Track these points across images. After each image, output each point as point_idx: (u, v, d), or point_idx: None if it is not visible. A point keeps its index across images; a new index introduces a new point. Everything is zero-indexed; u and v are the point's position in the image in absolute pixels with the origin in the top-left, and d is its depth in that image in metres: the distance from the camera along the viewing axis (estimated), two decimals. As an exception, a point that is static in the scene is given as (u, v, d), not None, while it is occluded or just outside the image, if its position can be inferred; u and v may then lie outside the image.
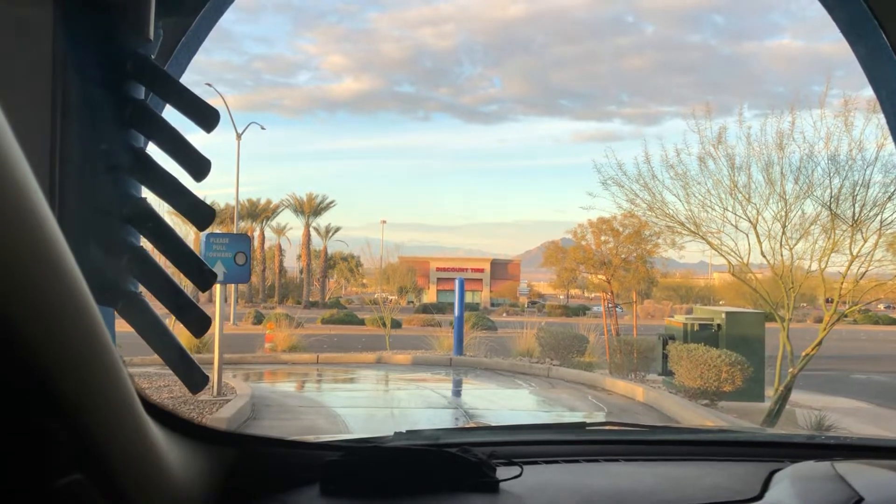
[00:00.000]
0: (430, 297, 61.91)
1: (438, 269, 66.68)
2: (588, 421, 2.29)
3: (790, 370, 9.99)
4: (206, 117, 1.00)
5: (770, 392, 11.42)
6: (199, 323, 0.97)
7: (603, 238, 17.59)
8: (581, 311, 50.89)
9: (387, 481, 1.24)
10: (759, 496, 1.32)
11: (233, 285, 40.22)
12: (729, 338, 11.97)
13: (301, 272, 57.33)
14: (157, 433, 0.88)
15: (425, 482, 1.25)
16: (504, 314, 45.83)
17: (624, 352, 13.66)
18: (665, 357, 12.28)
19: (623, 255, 17.70)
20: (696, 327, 12.40)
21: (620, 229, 17.44)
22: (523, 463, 1.39)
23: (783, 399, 10.06)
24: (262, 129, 41.75)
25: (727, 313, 12.39)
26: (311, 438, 1.48)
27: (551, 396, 11.17)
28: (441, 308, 43.28)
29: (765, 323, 12.35)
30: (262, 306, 45.23)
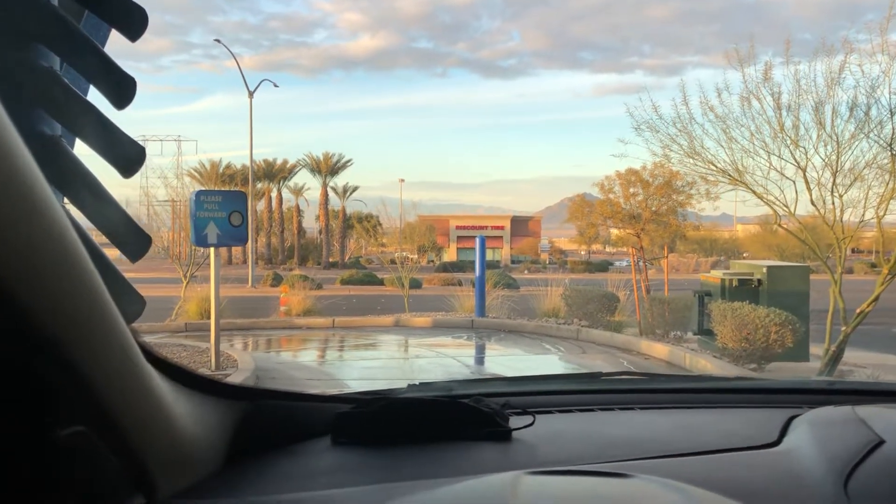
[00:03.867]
0: (450, 255, 61.51)
1: (458, 228, 66.09)
2: (604, 371, 1.96)
3: (843, 328, 9.17)
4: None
5: (814, 349, 10.63)
6: (130, 151, 0.84)
7: (632, 190, 16.58)
8: (605, 266, 49.97)
9: (397, 431, 1.24)
10: (777, 441, 1.29)
11: (250, 245, 39.82)
12: (771, 293, 11.08)
13: (320, 233, 57.00)
14: (162, 386, 0.87)
15: (436, 431, 1.24)
16: (525, 271, 45.01)
17: (657, 310, 12.83)
18: (702, 315, 11.46)
19: (653, 208, 16.72)
20: (734, 283, 11.50)
21: (650, 180, 16.43)
22: (537, 412, 1.39)
23: (835, 359, 9.27)
24: (275, 86, 41.01)
25: (769, 267, 11.47)
26: (322, 391, 1.47)
27: (583, 363, 10.35)
28: (461, 266, 42.75)
29: (809, 277, 11.47)
30: (281, 268, 44.91)
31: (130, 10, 0.84)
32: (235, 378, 7.45)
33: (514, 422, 1.31)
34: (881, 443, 1.14)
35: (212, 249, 7.80)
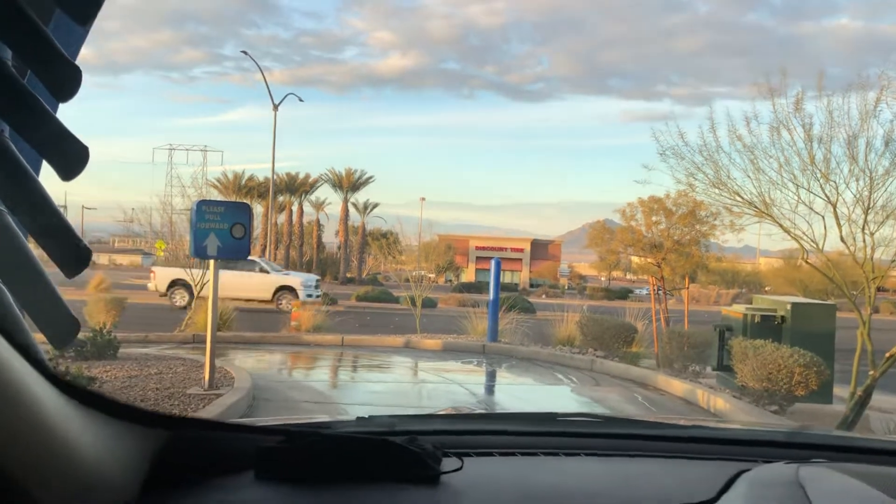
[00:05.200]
0: (468, 275, 61.27)
1: (478, 248, 65.89)
2: (559, 412, 1.73)
3: (871, 372, 8.73)
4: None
5: (838, 391, 10.17)
6: (76, 257, 0.85)
7: (654, 218, 16.20)
8: (624, 293, 49.37)
9: (323, 470, 1.19)
10: (714, 500, 1.23)
11: (268, 258, 39.84)
12: (794, 331, 10.64)
13: (339, 248, 57.03)
14: (62, 411, 0.83)
15: (364, 472, 1.20)
16: (543, 296, 44.56)
17: (675, 343, 12.41)
18: (722, 351, 11.04)
19: (676, 237, 16.32)
20: (757, 319, 11.07)
21: (674, 209, 16.05)
22: (476, 454, 1.38)
23: (861, 403, 8.81)
24: (300, 100, 41.16)
25: (793, 304, 11.04)
26: (255, 422, 1.42)
27: (595, 396, 9.93)
28: (479, 287, 42.46)
29: (835, 316, 11.02)
30: (298, 281, 44.72)
31: (65, 68, 0.77)
32: (229, 398, 7.13)
33: (447, 464, 1.26)
34: None
35: (212, 262, 7.52)
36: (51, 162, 0.86)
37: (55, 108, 0.86)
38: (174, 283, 22.45)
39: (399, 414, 1.75)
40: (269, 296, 24.18)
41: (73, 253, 0.87)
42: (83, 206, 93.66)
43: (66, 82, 0.80)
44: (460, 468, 1.27)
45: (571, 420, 1.96)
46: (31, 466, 0.76)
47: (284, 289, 24.33)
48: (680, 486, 1.33)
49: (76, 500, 0.86)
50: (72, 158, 0.84)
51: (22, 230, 0.88)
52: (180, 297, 22.76)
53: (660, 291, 16.87)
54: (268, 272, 24.67)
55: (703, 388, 10.05)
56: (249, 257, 11.74)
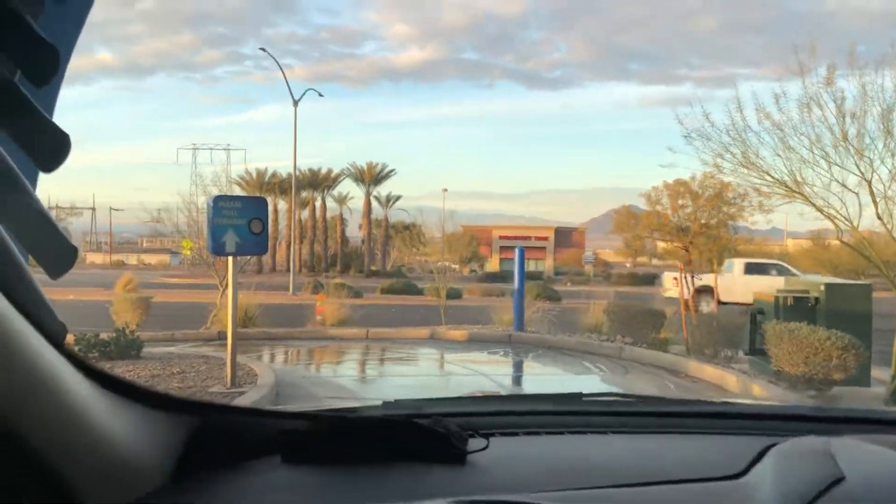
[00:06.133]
0: (493, 265, 61.03)
1: (501, 238, 65.57)
2: (586, 392, 1.86)
3: (911, 353, 8.45)
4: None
5: (876, 373, 9.87)
6: (53, 140, 0.77)
7: (680, 202, 15.90)
8: (650, 279, 48.89)
9: (349, 451, 1.20)
10: (744, 472, 1.23)
11: (292, 253, 39.91)
12: (829, 313, 10.31)
13: (362, 241, 57.14)
14: (94, 400, 0.85)
15: (390, 453, 1.21)
16: (568, 283, 44.18)
17: (705, 328, 12.14)
18: (754, 335, 10.76)
19: (703, 220, 16.01)
20: (789, 301, 10.76)
21: (700, 192, 15.74)
22: (501, 434, 1.38)
23: (902, 387, 8.54)
24: (320, 95, 41.15)
25: (827, 285, 10.71)
26: (282, 407, 1.55)
27: (626, 384, 9.74)
28: (504, 277, 42.24)
29: (871, 296, 10.68)
30: (323, 276, 44.95)
31: (41, 50, 0.73)
32: (252, 395, 7.04)
33: (473, 444, 1.27)
34: (841, 479, 1.09)
35: (230, 259, 7.42)
36: (30, 153, 0.80)
37: (34, 95, 0.79)
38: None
39: (425, 398, 1.69)
40: None
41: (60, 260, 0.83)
42: (111, 208, 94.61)
43: (45, 64, 0.75)
44: (486, 447, 1.27)
45: (597, 399, 1.94)
46: (66, 452, 0.78)
47: None
48: (709, 461, 1.33)
49: (110, 483, 0.89)
50: (53, 148, 0.80)
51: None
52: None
53: (688, 276, 16.59)
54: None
55: (737, 374, 9.80)
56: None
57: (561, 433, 1.51)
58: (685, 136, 11.13)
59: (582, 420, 1.60)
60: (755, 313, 11.08)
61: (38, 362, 0.73)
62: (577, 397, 1.84)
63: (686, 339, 13.28)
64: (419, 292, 31.52)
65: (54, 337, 0.78)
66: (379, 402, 1.57)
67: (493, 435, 1.35)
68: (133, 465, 0.94)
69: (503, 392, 9.09)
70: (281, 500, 1.07)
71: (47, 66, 0.76)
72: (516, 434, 1.45)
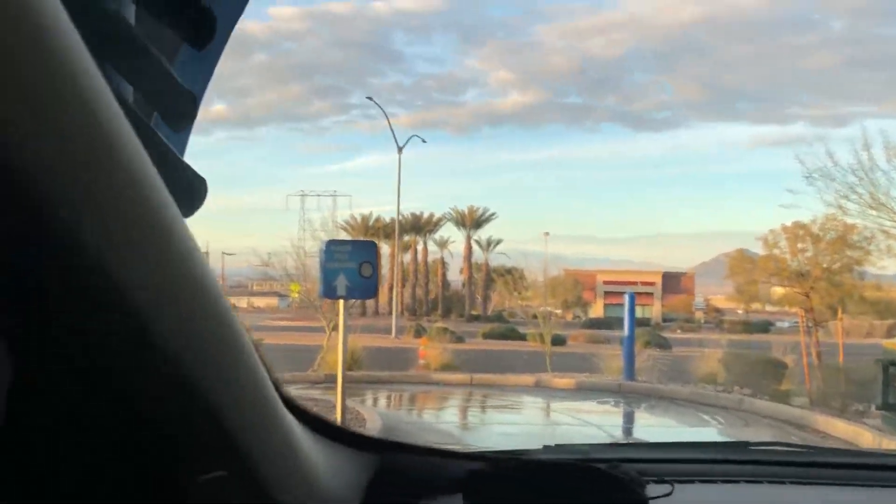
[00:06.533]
0: (596, 311, 59.88)
1: (605, 283, 64.34)
2: (751, 440, 1.79)
3: None
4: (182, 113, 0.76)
5: None
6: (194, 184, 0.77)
7: (800, 245, 15.15)
8: (765, 327, 46.71)
9: (529, 494, 1.21)
10: None
11: (395, 296, 40.44)
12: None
13: (463, 285, 57.38)
14: (301, 435, 0.89)
15: (571, 497, 1.21)
16: (678, 331, 42.74)
17: (831, 379, 11.39)
18: (887, 387, 9.99)
19: (824, 265, 15.19)
20: (927, 352, 9.96)
21: (821, 234, 14.97)
22: (676, 482, 1.33)
23: None
24: (423, 141, 42.02)
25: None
26: (455, 448, 1.44)
27: (751, 438, 9.18)
28: (608, 323, 41.25)
29: None
30: (424, 319, 45.30)
31: (180, 95, 0.74)
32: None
33: (652, 490, 1.24)
34: None
35: (340, 302, 7.49)
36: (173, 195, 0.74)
37: (169, 140, 0.78)
38: None
39: (589, 443, 1.70)
40: None
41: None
42: (223, 253, 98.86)
43: (193, 195, 0.77)
44: (670, 493, 1.25)
45: (766, 449, 1.88)
46: (283, 485, 0.81)
47: None
48: None
49: None
50: (190, 193, 0.79)
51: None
52: None
53: (810, 325, 15.69)
54: None
55: (871, 431, 9.06)
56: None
57: (736, 482, 1.48)
58: (806, 177, 10.68)
59: (751, 469, 1.55)
60: (888, 364, 10.31)
61: (272, 399, 0.78)
62: (742, 446, 1.82)
63: (809, 390, 12.51)
64: (521, 337, 31.18)
65: (272, 375, 0.81)
66: (539, 447, 1.56)
67: (667, 482, 1.33)
68: (325, 497, 0.96)
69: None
70: None
71: (185, 111, 0.77)
72: (692, 482, 1.42)
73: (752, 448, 1.81)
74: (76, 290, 0.48)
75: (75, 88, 0.41)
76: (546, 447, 1.56)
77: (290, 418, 0.85)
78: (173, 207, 0.53)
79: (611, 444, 1.65)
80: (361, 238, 50.01)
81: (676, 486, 1.32)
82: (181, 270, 0.55)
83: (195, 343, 0.59)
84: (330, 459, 1.01)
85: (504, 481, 1.22)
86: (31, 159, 0.39)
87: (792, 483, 1.48)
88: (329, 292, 7.28)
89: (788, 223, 15.25)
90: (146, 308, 0.51)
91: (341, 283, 7.05)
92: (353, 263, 7.09)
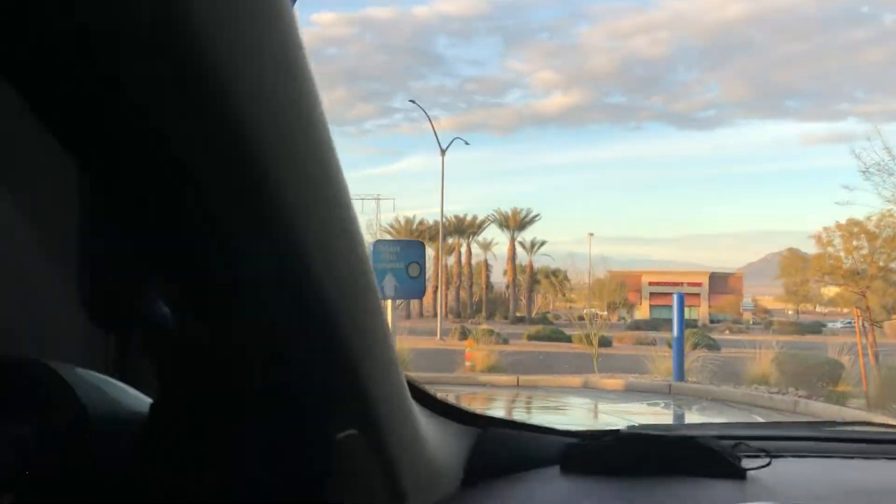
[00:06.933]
0: (642, 312, 59.23)
1: (651, 284, 63.63)
2: (836, 420, 2.26)
3: None
4: None
5: None
6: None
7: (855, 243, 14.76)
8: (816, 327, 45.66)
9: (626, 465, 1.23)
10: None
11: (439, 298, 40.48)
12: None
13: (507, 287, 57.25)
14: (416, 408, 0.94)
15: (665, 467, 1.23)
16: (727, 332, 41.96)
17: (888, 381, 11.07)
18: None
19: (881, 263, 14.77)
20: None
21: (877, 231, 14.56)
22: (770, 456, 1.32)
23: None
24: (466, 144, 42.19)
25: None
26: (555, 426, 1.48)
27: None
28: (654, 325, 40.67)
29: None
30: (469, 321, 45.29)
31: None
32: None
33: (748, 463, 1.26)
34: None
35: (388, 303, 7.51)
36: None
37: None
38: None
39: (666, 423, 1.75)
40: None
41: None
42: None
43: None
44: (768, 464, 1.26)
45: (855, 429, 1.90)
46: (401, 449, 0.87)
47: None
48: None
49: (423, 487, 0.97)
50: None
51: None
52: None
53: (864, 324, 15.27)
54: None
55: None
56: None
57: (830, 457, 1.49)
58: (863, 172, 10.37)
59: (842, 447, 1.56)
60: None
61: (397, 370, 0.83)
62: (831, 425, 1.86)
63: (866, 392, 12.16)
64: (567, 339, 30.97)
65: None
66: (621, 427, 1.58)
67: (767, 455, 1.34)
68: (437, 471, 1.03)
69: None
70: None
71: None
72: (784, 457, 1.42)
73: (840, 427, 1.84)
74: (290, 280, 0.59)
75: (325, 147, 0.60)
76: (630, 427, 1.55)
77: (408, 390, 0.89)
78: (353, 210, 0.65)
79: (696, 424, 1.76)
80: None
81: (774, 459, 1.32)
82: (358, 267, 0.65)
83: (358, 318, 0.67)
84: (437, 430, 1.05)
85: (599, 454, 1.25)
86: (286, 191, 0.54)
87: (885, 459, 1.49)
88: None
89: (843, 221, 14.89)
90: (334, 297, 0.61)
91: (389, 283, 7.08)
92: (400, 264, 7.11)
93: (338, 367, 0.68)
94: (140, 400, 0.77)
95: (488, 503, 1.10)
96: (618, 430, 1.47)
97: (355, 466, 0.80)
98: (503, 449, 1.26)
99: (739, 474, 1.23)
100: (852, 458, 1.49)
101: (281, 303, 0.60)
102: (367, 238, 22.09)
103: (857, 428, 1.90)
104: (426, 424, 0.99)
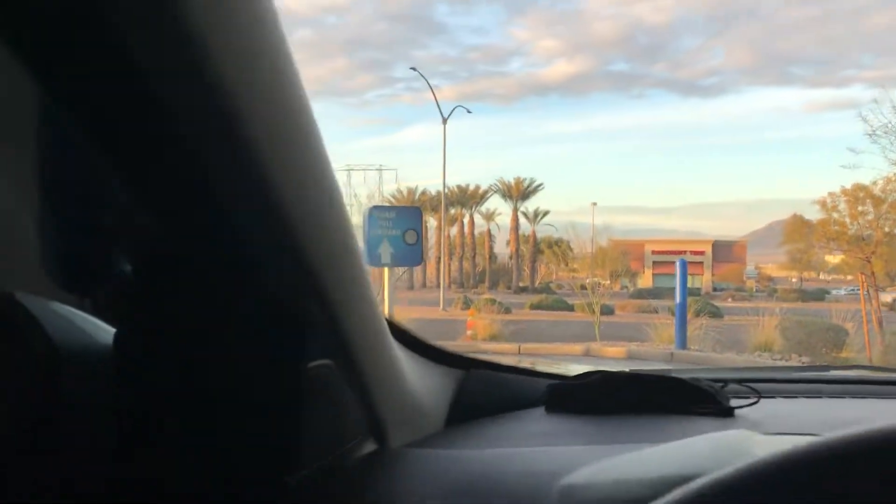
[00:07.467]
0: (644, 281, 59.20)
1: (654, 252, 63.53)
2: (831, 364, 1.64)
3: None
4: None
5: None
6: None
7: (860, 208, 14.57)
8: (820, 295, 45.53)
9: (612, 403, 1.23)
10: None
11: (442, 269, 40.40)
12: None
13: (510, 257, 57.18)
14: (395, 346, 0.97)
15: (652, 405, 1.23)
16: (729, 299, 41.84)
17: (892, 346, 11.00)
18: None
19: (886, 228, 14.60)
20: None
21: (883, 196, 14.38)
22: (760, 396, 1.29)
23: None
24: (468, 112, 41.76)
25: None
26: (536, 367, 1.49)
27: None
28: (657, 293, 40.57)
29: None
30: (472, 291, 45.33)
31: None
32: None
33: (736, 402, 1.24)
34: None
35: (385, 270, 7.38)
36: None
37: None
38: None
39: (661, 369, 1.63)
40: None
41: None
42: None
43: None
44: (756, 402, 1.24)
45: (847, 372, 1.89)
46: (384, 395, 0.89)
47: None
48: None
49: (405, 425, 1.00)
50: None
51: None
52: None
53: (869, 290, 15.14)
54: None
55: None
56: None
57: (819, 396, 1.49)
58: (869, 134, 10.16)
59: (833, 388, 1.55)
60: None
61: (374, 304, 0.84)
62: (824, 369, 1.86)
63: (869, 358, 12.10)
64: (569, 308, 30.94)
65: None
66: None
67: (755, 394, 1.33)
68: (419, 408, 1.05)
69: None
70: (548, 441, 1.11)
71: None
72: (774, 398, 1.40)
73: (834, 371, 1.83)
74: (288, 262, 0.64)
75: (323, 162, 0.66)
76: (629, 370, 1.54)
77: (387, 328, 0.90)
78: (317, 127, 0.65)
79: (682, 370, 1.46)
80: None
81: (763, 399, 1.31)
82: (328, 195, 0.67)
83: (322, 251, 0.67)
84: (420, 372, 1.07)
85: (586, 390, 1.25)
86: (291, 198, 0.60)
87: (876, 398, 1.49)
88: (373, 260, 7.17)
89: (848, 186, 14.68)
90: (300, 218, 0.62)
91: (385, 250, 6.94)
92: (397, 231, 6.96)
93: (307, 294, 0.69)
94: (110, 333, 0.78)
95: (472, 441, 1.10)
96: (604, 371, 1.46)
97: (327, 396, 0.82)
98: (488, 390, 1.27)
99: (727, 412, 1.22)
100: (843, 397, 1.49)
101: (246, 223, 0.61)
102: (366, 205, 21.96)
103: (850, 372, 1.90)
104: (409, 364, 1.01)
